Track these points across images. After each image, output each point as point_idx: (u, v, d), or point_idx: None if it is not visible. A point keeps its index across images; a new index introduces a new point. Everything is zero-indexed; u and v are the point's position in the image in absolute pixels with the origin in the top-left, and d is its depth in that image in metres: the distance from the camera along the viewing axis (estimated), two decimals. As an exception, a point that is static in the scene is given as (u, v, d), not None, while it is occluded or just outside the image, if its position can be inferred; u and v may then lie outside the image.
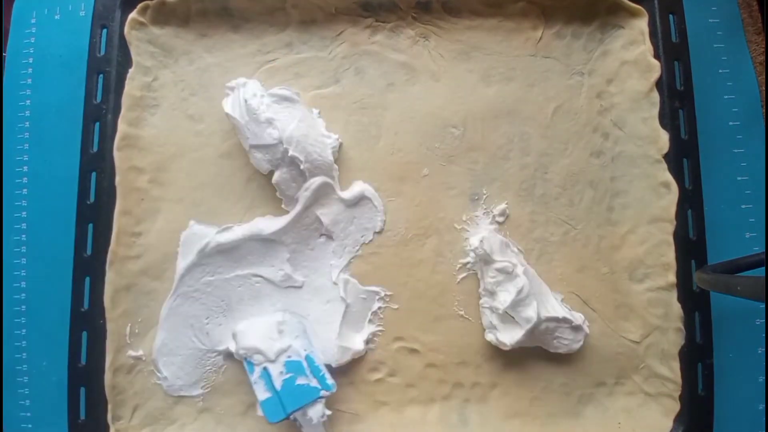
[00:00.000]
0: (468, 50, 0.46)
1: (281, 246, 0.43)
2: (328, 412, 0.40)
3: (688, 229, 0.42)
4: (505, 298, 0.41)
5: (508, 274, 0.41)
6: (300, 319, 0.43)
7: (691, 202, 0.42)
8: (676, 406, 0.42)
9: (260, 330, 0.41)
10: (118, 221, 0.42)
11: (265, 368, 0.40)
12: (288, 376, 0.40)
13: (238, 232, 0.43)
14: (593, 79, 0.46)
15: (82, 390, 0.41)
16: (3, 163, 0.47)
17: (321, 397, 0.40)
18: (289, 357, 0.40)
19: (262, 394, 0.40)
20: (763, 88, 0.47)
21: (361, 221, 0.44)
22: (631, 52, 0.45)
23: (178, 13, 0.45)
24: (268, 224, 0.43)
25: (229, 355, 0.43)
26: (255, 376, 0.40)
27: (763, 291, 0.29)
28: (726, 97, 0.48)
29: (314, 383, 0.40)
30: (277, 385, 0.39)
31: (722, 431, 0.42)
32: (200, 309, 0.43)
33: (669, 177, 0.42)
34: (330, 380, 0.40)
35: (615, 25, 0.46)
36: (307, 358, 0.41)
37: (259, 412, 0.40)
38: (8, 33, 0.49)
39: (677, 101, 0.43)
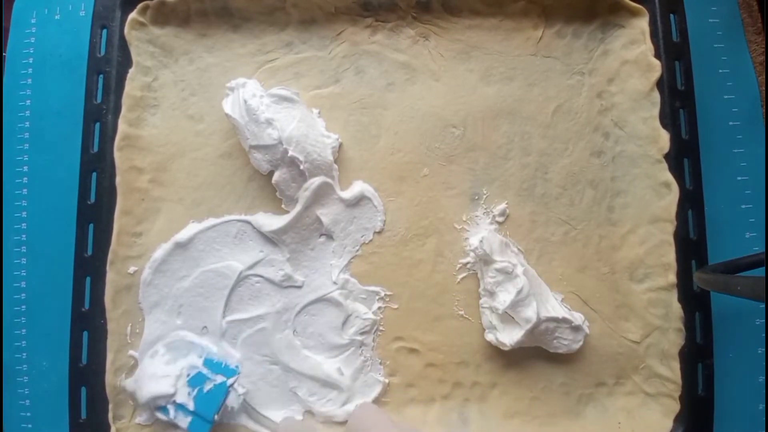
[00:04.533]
0: (468, 50, 0.46)
1: (281, 246, 0.43)
2: (243, 390, 0.41)
3: (688, 229, 0.42)
4: (504, 298, 0.41)
5: (507, 274, 0.41)
6: (173, 331, 0.42)
7: (691, 202, 0.42)
8: (676, 407, 0.42)
9: (149, 374, 0.40)
10: (118, 221, 0.42)
11: (174, 402, 0.40)
12: (195, 391, 0.40)
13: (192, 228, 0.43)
14: (594, 78, 0.46)
15: (83, 390, 0.41)
16: (3, 163, 0.47)
17: (230, 387, 0.40)
18: (188, 376, 0.40)
19: (183, 423, 0.40)
20: (763, 88, 0.47)
21: (361, 221, 0.44)
22: (631, 51, 0.45)
23: (178, 13, 0.45)
24: (269, 220, 0.43)
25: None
26: (172, 414, 0.40)
27: (763, 291, 0.29)
28: (726, 97, 0.47)
29: (219, 379, 0.40)
30: (191, 406, 0.40)
31: (722, 431, 0.42)
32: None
33: (669, 177, 0.42)
34: (232, 365, 0.41)
35: (616, 25, 0.46)
36: (206, 362, 0.41)
37: None
38: (8, 33, 0.49)
39: (678, 101, 0.43)
